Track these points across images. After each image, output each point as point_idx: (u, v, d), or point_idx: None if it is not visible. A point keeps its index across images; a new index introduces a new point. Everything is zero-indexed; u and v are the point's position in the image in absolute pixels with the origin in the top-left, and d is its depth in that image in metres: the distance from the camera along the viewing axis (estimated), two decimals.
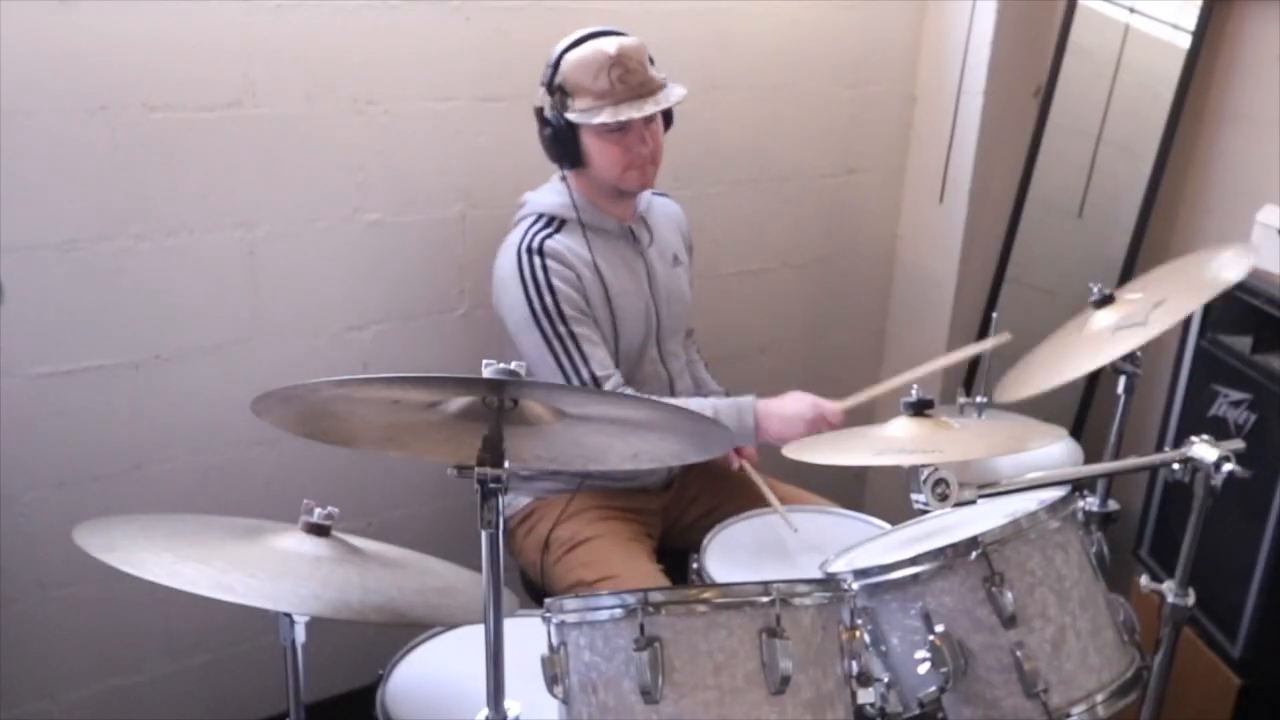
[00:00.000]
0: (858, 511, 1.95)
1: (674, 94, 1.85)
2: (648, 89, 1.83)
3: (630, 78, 1.80)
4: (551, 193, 1.94)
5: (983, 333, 2.66)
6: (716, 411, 1.91)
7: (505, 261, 1.89)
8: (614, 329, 1.92)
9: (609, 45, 1.80)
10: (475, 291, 2.17)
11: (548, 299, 1.84)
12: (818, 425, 1.88)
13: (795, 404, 1.91)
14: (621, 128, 1.82)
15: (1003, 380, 1.76)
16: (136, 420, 1.95)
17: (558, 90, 1.83)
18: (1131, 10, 2.42)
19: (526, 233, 1.89)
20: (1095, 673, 1.32)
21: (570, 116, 1.82)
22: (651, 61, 1.86)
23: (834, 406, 1.91)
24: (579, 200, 1.91)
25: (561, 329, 1.84)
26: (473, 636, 1.23)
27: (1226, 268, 1.59)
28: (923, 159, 2.72)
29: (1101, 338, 1.59)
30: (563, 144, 1.86)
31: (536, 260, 1.85)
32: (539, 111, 1.87)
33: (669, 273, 2.04)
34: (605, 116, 1.79)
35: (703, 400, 2.00)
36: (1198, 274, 1.69)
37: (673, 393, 2.03)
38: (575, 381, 1.83)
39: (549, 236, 1.88)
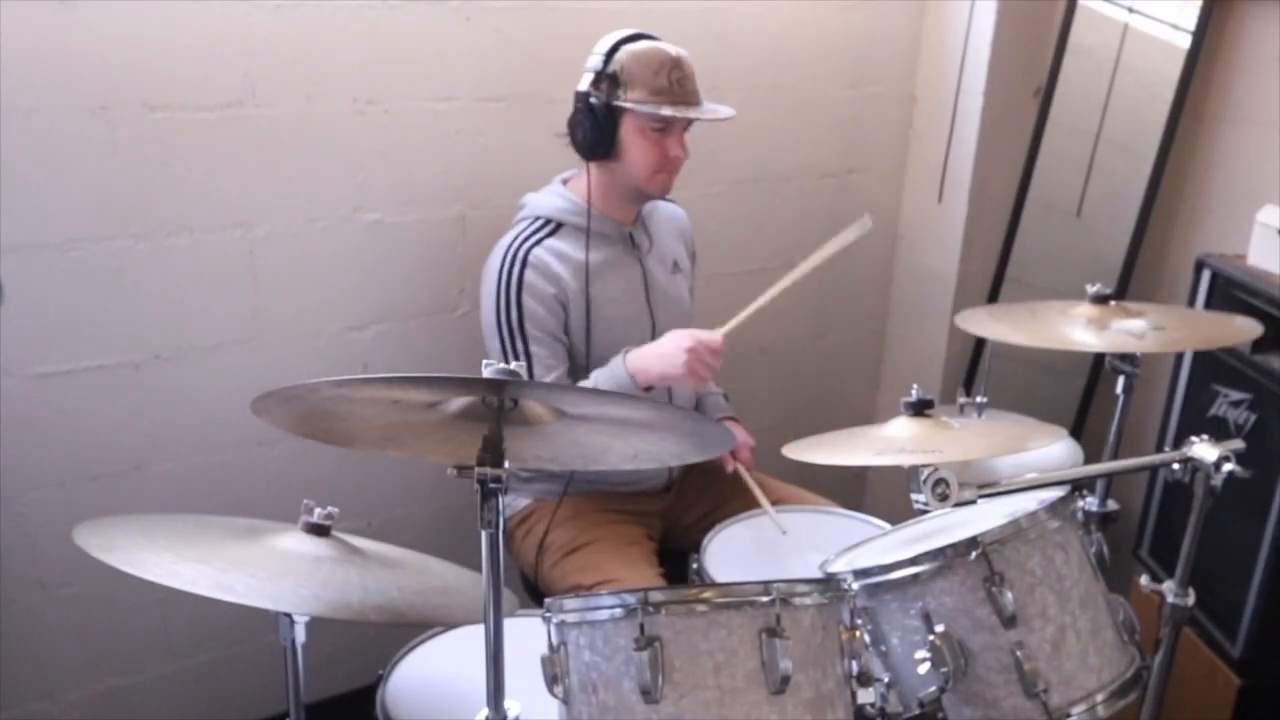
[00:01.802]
0: (858, 511, 1.95)
1: (723, 111, 1.88)
2: (696, 99, 1.86)
3: (686, 83, 1.84)
4: (552, 195, 1.94)
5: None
6: (596, 382, 1.85)
7: (492, 260, 1.91)
8: (587, 335, 1.91)
9: (668, 47, 1.83)
10: (475, 291, 2.16)
11: (513, 313, 1.85)
12: (698, 354, 1.76)
13: (670, 339, 1.81)
14: (667, 126, 1.84)
15: (976, 310, 1.80)
16: (136, 420, 1.95)
17: (608, 78, 1.82)
18: (1131, 10, 2.42)
19: (518, 236, 1.90)
20: (1095, 673, 1.32)
21: (623, 103, 1.81)
22: None
23: (711, 333, 1.80)
24: (579, 204, 1.91)
25: (520, 345, 1.86)
26: (473, 636, 1.23)
27: (1234, 330, 1.65)
28: (922, 159, 2.72)
29: (1086, 324, 1.63)
30: (600, 132, 1.84)
31: (515, 269, 1.86)
32: (583, 96, 1.85)
33: (667, 280, 2.04)
34: (668, 110, 1.81)
35: (594, 374, 1.89)
36: (1202, 324, 1.73)
37: (670, 398, 2.03)
38: None
39: (539, 242, 1.88)
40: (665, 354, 1.80)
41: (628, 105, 1.81)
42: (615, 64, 1.82)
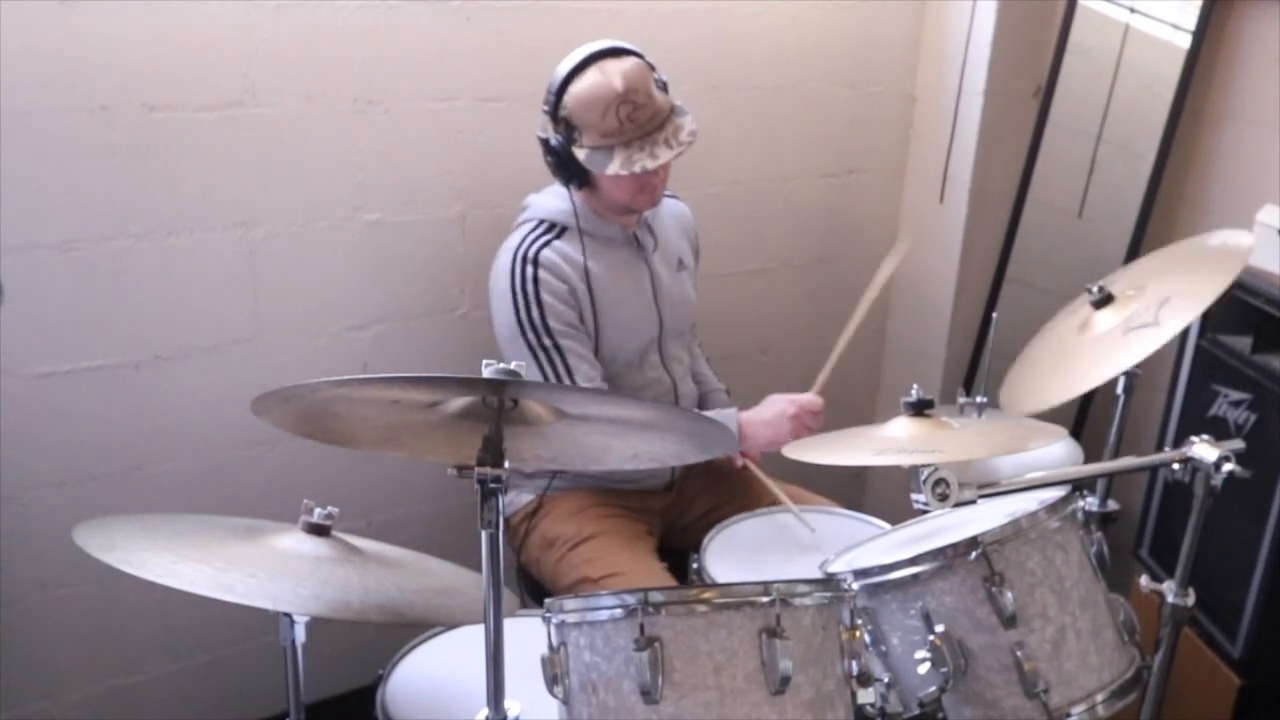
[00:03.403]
0: (858, 511, 1.95)
1: (685, 130, 1.81)
2: (656, 122, 1.80)
3: (639, 114, 1.77)
4: (555, 198, 1.92)
5: (983, 332, 2.66)
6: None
7: (501, 266, 1.89)
8: (597, 339, 1.91)
9: (615, 78, 1.75)
10: (475, 291, 2.17)
11: (535, 312, 1.84)
12: (801, 419, 1.87)
13: (773, 406, 1.93)
14: None
15: (1007, 384, 1.74)
16: (136, 420, 1.95)
17: (562, 122, 1.79)
18: (1131, 10, 2.42)
19: (525, 239, 1.88)
20: (1095, 673, 1.32)
21: (579, 155, 1.79)
22: (653, 69, 1.83)
23: (808, 395, 1.92)
24: (581, 209, 1.90)
25: (547, 341, 1.84)
26: (473, 636, 1.23)
27: (1228, 253, 1.57)
28: (923, 159, 2.71)
29: (1111, 340, 1.57)
30: (569, 171, 1.84)
31: (529, 270, 1.84)
32: (544, 142, 1.84)
33: (673, 278, 2.04)
34: (617, 166, 1.76)
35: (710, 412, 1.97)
36: (1197, 266, 1.65)
37: (676, 397, 2.03)
38: None
39: (546, 244, 1.87)
40: (771, 423, 1.89)
41: (583, 159, 1.79)
42: (564, 109, 1.78)
